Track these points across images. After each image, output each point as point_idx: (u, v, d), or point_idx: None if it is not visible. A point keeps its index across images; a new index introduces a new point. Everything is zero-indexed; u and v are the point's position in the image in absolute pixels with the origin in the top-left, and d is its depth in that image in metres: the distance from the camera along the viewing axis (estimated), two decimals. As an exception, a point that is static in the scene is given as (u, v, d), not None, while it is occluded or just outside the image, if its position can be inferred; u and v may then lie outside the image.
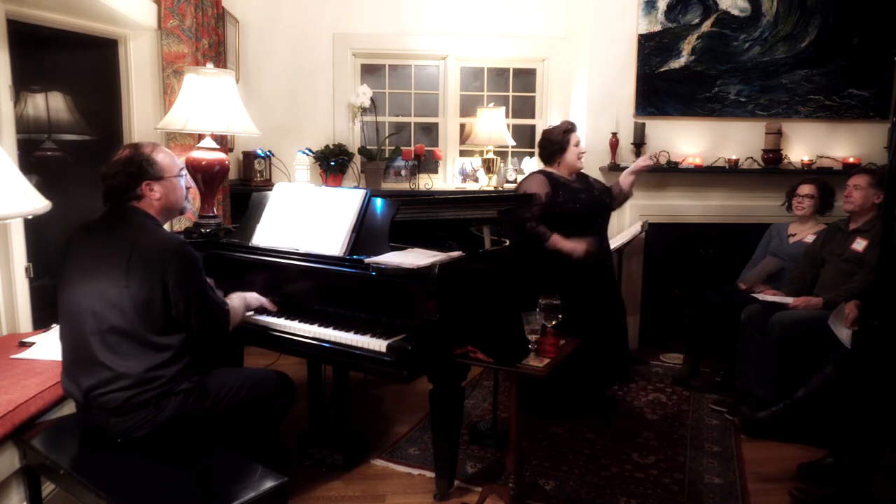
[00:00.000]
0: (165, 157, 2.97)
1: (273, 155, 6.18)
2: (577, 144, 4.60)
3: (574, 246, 4.33)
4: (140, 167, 2.87)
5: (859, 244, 4.54)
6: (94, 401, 2.72)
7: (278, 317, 3.41)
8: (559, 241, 4.35)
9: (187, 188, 3.17)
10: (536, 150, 4.78)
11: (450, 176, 6.75)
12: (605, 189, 4.79)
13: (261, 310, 3.44)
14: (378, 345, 3.04)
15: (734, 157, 5.88)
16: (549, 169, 4.65)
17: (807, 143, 6.04)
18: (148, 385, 2.69)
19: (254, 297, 3.41)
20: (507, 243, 3.97)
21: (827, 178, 5.20)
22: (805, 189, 5.07)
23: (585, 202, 4.54)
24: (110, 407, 2.69)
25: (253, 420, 3.03)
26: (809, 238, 4.98)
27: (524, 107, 6.78)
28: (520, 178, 6.07)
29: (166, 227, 3.04)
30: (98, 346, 2.71)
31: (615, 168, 5.73)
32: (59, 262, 2.91)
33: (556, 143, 4.60)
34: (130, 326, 2.69)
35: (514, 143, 6.49)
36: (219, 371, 2.97)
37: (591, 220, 4.59)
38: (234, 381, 2.96)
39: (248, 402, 2.96)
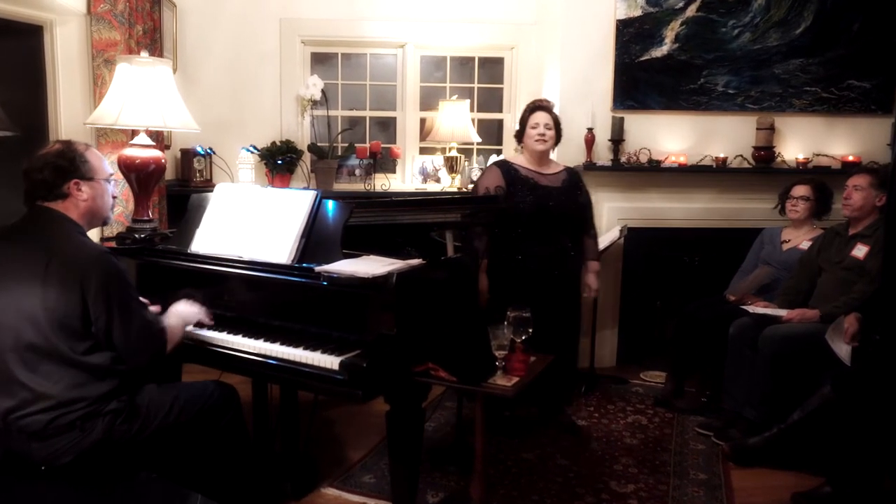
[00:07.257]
0: (97, 159, 3.05)
1: (214, 153, 6.16)
2: (534, 126, 4.57)
3: (484, 284, 4.33)
4: (72, 162, 2.93)
5: (860, 251, 4.55)
6: (13, 424, 2.73)
7: (220, 331, 3.40)
8: (480, 272, 4.32)
9: (113, 196, 3.21)
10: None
11: (409, 176, 6.80)
12: (586, 200, 4.80)
13: (198, 323, 3.43)
14: (329, 362, 3.05)
15: (722, 155, 5.93)
16: (512, 157, 4.67)
17: (802, 140, 6.11)
18: (71, 406, 2.71)
19: (190, 312, 3.37)
20: (472, 250, 4.00)
21: (824, 179, 5.28)
22: (800, 190, 5.12)
23: (534, 204, 4.47)
24: (31, 430, 2.71)
25: (202, 443, 3.05)
26: (805, 244, 5.03)
27: (491, 99, 6.84)
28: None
29: (95, 234, 3.04)
30: (16, 364, 2.72)
31: (591, 167, 5.78)
32: None
33: (520, 123, 4.69)
34: (48, 343, 2.71)
35: (479, 140, 6.56)
36: (150, 388, 2.97)
37: (558, 223, 4.57)
38: (167, 398, 2.96)
39: (185, 421, 2.97)
